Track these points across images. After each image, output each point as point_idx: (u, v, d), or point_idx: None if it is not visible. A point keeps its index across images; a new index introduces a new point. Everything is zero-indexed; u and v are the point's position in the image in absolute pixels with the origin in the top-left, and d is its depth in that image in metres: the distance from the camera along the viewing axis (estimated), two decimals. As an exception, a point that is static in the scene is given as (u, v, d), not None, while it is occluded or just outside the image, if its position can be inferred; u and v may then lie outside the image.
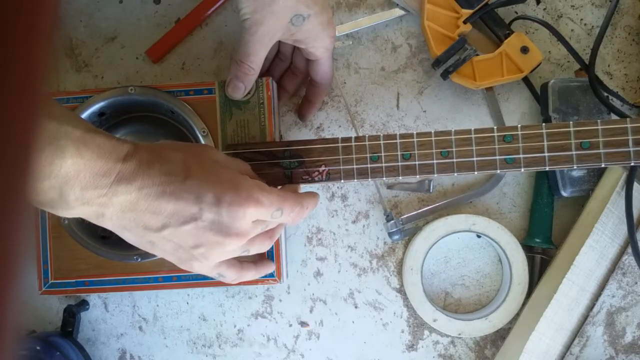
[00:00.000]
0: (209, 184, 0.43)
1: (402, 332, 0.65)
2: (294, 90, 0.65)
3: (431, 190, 0.64)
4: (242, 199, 0.44)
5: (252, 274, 0.53)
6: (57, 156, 0.39)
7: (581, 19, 0.65)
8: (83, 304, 0.65)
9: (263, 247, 0.51)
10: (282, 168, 0.56)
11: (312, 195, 0.54)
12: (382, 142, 0.54)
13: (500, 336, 0.64)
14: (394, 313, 0.65)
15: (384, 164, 0.54)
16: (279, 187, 0.54)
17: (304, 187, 0.65)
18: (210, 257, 0.46)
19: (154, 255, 0.57)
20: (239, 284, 0.54)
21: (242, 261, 0.52)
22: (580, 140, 0.51)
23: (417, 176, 0.55)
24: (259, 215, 0.46)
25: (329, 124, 0.66)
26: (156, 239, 0.44)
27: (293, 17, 0.54)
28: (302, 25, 0.55)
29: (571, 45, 0.61)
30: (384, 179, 0.55)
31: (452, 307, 0.65)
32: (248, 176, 0.48)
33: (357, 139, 0.55)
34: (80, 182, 0.41)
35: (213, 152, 0.48)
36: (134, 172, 0.42)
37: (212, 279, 0.52)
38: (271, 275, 0.57)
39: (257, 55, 0.55)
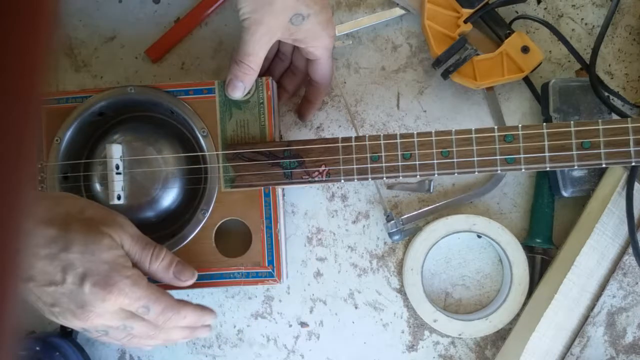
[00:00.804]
0: (83, 261, 0.44)
1: (402, 332, 0.65)
2: (293, 90, 0.65)
3: (431, 190, 0.64)
4: (107, 284, 0.45)
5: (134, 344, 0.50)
6: None
7: (582, 19, 0.65)
8: (82, 305, 0.65)
9: (127, 343, 0.49)
10: (282, 168, 0.56)
11: (201, 308, 0.51)
12: (382, 142, 0.54)
13: (500, 336, 0.64)
14: (394, 313, 0.65)
15: (384, 164, 0.54)
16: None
17: (304, 188, 0.65)
18: (68, 321, 0.46)
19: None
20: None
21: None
22: (581, 140, 0.51)
23: (418, 176, 0.54)
24: (122, 305, 0.46)
25: (329, 124, 0.66)
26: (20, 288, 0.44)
27: (293, 16, 0.54)
28: (302, 24, 0.55)
29: (572, 44, 0.61)
30: (384, 179, 0.55)
31: (452, 307, 0.65)
32: (134, 268, 0.48)
33: (357, 139, 0.55)
34: None
35: (111, 237, 0.47)
36: None
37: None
38: (271, 275, 0.57)
39: (257, 55, 0.55)
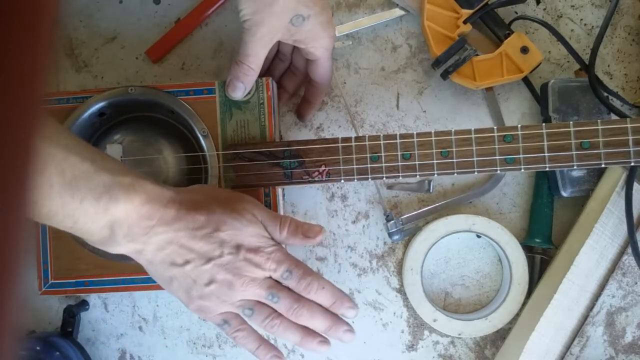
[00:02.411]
0: (234, 236, 0.50)
1: (402, 332, 0.65)
2: (293, 90, 0.65)
3: (431, 190, 0.64)
4: (258, 250, 0.51)
5: (250, 345, 0.53)
6: (111, 203, 0.46)
7: (581, 19, 0.65)
8: (83, 304, 0.65)
9: (263, 322, 0.52)
10: (282, 168, 0.56)
11: (338, 289, 0.53)
12: (382, 142, 0.54)
13: (500, 336, 0.64)
14: (394, 313, 0.65)
15: (384, 164, 0.54)
16: None
17: (304, 188, 0.65)
18: (219, 297, 0.51)
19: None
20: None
21: (247, 327, 0.53)
22: (581, 140, 0.51)
23: (417, 176, 0.55)
24: (270, 270, 0.51)
25: (329, 124, 0.66)
26: (178, 273, 0.50)
27: (293, 17, 0.54)
28: (302, 25, 0.55)
29: (571, 45, 0.61)
30: (384, 179, 0.55)
31: (452, 307, 0.65)
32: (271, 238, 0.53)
33: (357, 139, 0.55)
34: (128, 223, 0.48)
35: (250, 213, 0.52)
36: (173, 217, 0.49)
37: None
38: None
39: (257, 56, 0.55)
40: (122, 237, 0.48)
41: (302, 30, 0.56)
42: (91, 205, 0.46)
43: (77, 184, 0.45)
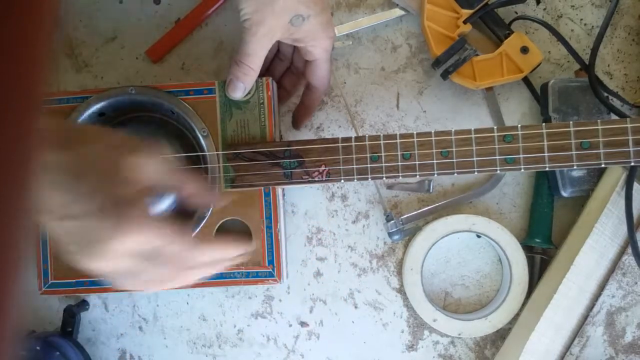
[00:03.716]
0: (98, 194, 0.39)
1: (402, 332, 0.65)
2: (293, 90, 0.65)
3: (431, 190, 0.64)
4: (123, 220, 0.40)
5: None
6: None
7: (581, 19, 0.65)
8: (83, 304, 0.65)
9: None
10: (282, 168, 0.56)
11: (227, 243, 0.47)
12: (382, 142, 0.54)
13: (500, 336, 0.64)
14: (394, 313, 0.65)
15: (384, 164, 0.54)
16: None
17: (304, 188, 0.65)
18: (87, 264, 0.41)
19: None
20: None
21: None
22: (580, 140, 0.51)
23: (417, 176, 0.55)
24: (138, 243, 0.41)
25: (329, 124, 0.66)
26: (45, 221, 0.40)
27: (293, 17, 0.54)
28: (302, 25, 0.55)
29: (571, 45, 0.61)
30: (384, 179, 0.55)
31: (452, 307, 0.65)
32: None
33: (357, 139, 0.55)
34: None
35: (130, 169, 0.41)
36: None
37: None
38: (271, 275, 0.57)
39: (257, 56, 0.55)
40: None
41: (301, 30, 0.56)
42: None
43: None
